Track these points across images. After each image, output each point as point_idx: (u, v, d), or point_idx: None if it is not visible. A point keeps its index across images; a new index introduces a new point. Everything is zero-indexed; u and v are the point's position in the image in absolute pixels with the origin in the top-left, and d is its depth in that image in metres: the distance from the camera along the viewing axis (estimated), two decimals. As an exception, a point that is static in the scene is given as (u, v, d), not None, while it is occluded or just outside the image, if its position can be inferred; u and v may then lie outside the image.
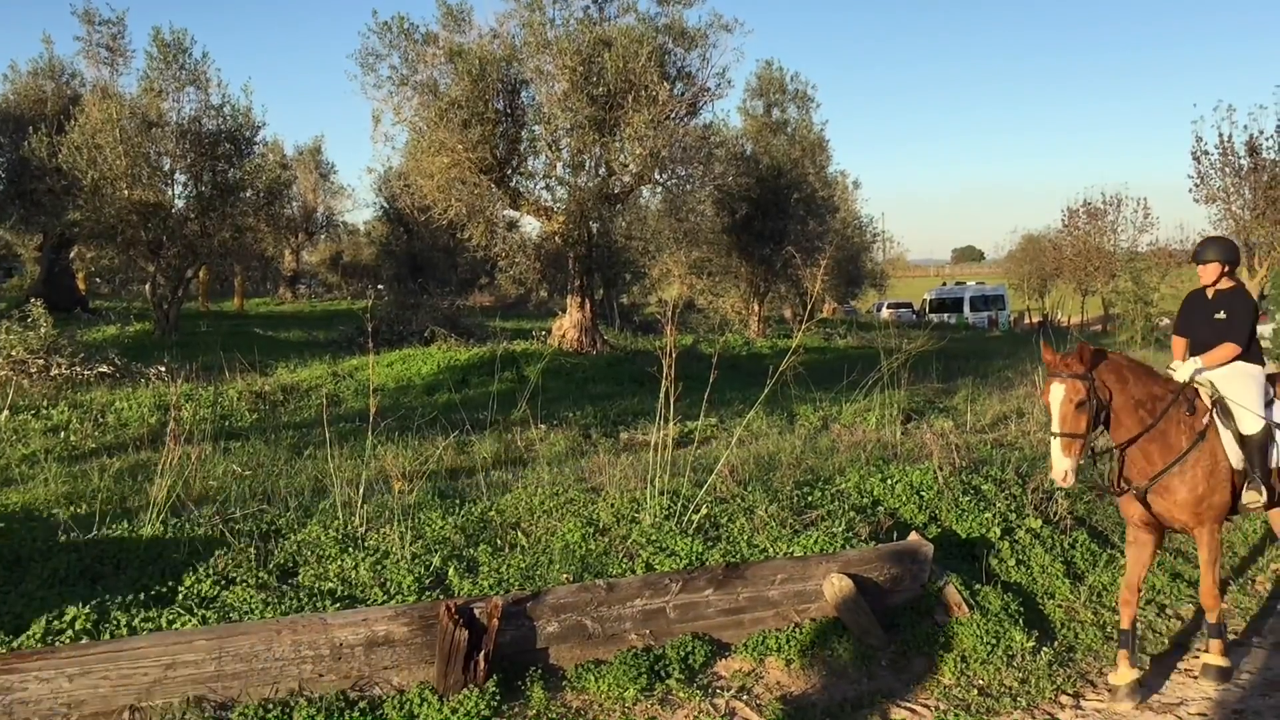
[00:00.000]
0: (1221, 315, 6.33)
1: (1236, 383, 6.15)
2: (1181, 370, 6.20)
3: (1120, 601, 6.16)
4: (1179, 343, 6.58)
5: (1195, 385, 6.17)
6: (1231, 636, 6.76)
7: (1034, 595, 7.08)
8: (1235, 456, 5.98)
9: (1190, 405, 6.04)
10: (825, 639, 6.13)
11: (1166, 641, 6.71)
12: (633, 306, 34.28)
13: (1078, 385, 5.67)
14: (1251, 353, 6.30)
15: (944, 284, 55.79)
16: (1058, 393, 5.70)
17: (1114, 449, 6.09)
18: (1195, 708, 5.75)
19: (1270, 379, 6.38)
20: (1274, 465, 6.16)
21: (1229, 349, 6.23)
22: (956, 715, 5.67)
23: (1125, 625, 6.04)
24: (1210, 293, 6.42)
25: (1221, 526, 6.10)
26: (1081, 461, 5.70)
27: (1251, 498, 6.03)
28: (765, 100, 29.85)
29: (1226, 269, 6.34)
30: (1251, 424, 6.02)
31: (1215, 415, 6.04)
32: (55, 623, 5.35)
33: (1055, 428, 5.67)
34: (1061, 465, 5.63)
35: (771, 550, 6.77)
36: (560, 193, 19.51)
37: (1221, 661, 6.10)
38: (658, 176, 19.37)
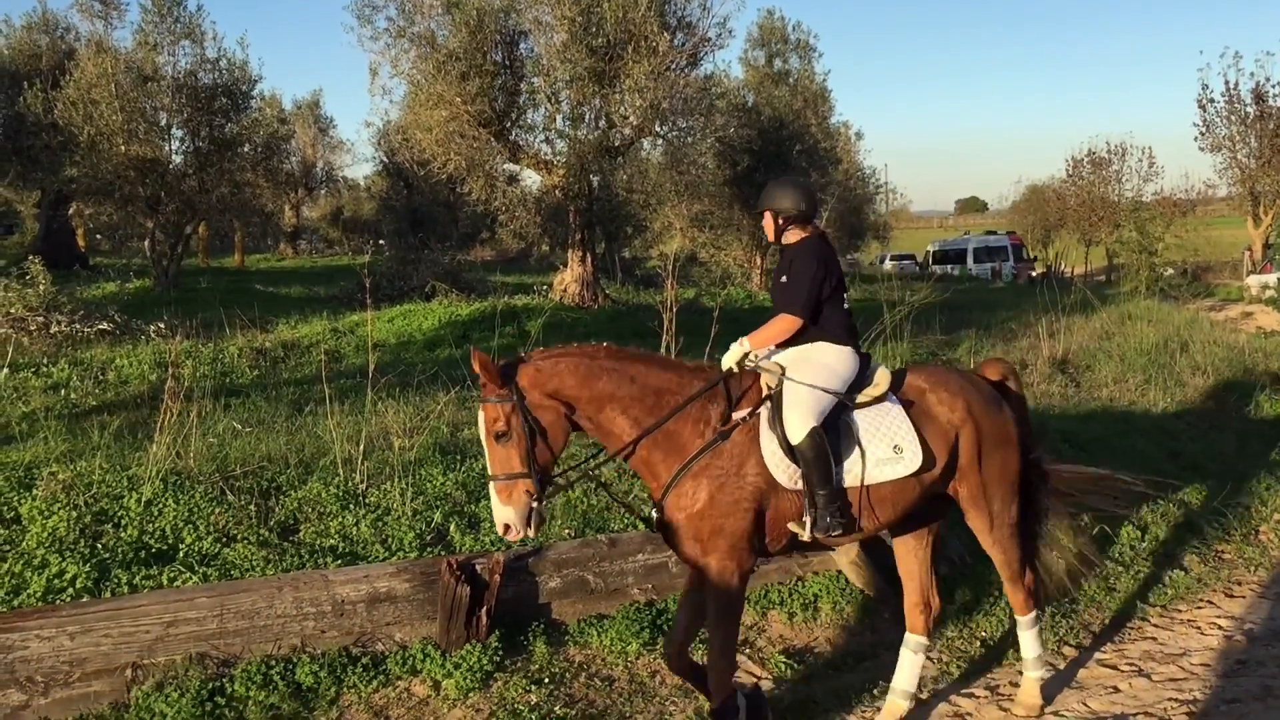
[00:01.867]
0: (784, 279, 4.85)
1: (799, 371, 4.61)
2: (727, 355, 4.67)
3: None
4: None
5: (760, 371, 4.66)
6: (1235, 586, 6.77)
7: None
8: (782, 472, 4.46)
9: (727, 396, 4.57)
10: (828, 592, 6.13)
11: (1169, 592, 6.71)
12: (634, 260, 34.17)
13: (495, 411, 4.24)
14: (828, 327, 4.75)
15: (966, 233, 55.03)
16: (480, 423, 4.32)
17: (609, 459, 4.72)
18: (1198, 658, 5.75)
19: (902, 372, 4.98)
20: (854, 485, 4.56)
21: (781, 323, 4.72)
22: (960, 667, 5.69)
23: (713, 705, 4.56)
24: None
25: (744, 565, 4.47)
26: (539, 504, 4.24)
27: (794, 528, 4.52)
28: (767, 50, 29.53)
29: (783, 221, 4.84)
30: (797, 429, 4.44)
31: (763, 414, 4.54)
32: (56, 581, 5.36)
33: (488, 468, 4.32)
34: (501, 516, 4.25)
35: (774, 504, 6.74)
36: (560, 146, 19.33)
37: None
38: (658, 128, 19.17)
